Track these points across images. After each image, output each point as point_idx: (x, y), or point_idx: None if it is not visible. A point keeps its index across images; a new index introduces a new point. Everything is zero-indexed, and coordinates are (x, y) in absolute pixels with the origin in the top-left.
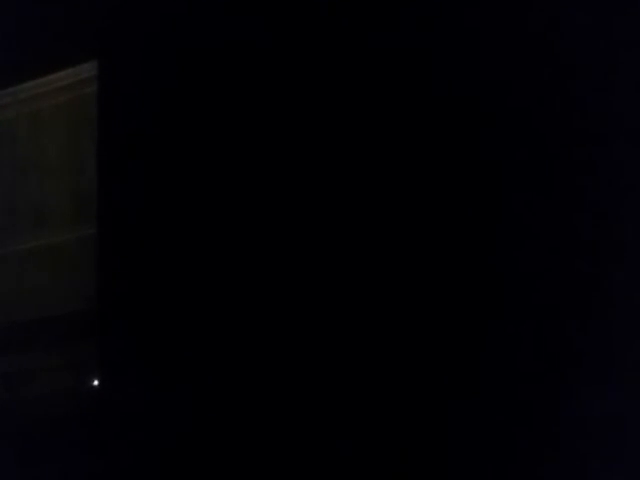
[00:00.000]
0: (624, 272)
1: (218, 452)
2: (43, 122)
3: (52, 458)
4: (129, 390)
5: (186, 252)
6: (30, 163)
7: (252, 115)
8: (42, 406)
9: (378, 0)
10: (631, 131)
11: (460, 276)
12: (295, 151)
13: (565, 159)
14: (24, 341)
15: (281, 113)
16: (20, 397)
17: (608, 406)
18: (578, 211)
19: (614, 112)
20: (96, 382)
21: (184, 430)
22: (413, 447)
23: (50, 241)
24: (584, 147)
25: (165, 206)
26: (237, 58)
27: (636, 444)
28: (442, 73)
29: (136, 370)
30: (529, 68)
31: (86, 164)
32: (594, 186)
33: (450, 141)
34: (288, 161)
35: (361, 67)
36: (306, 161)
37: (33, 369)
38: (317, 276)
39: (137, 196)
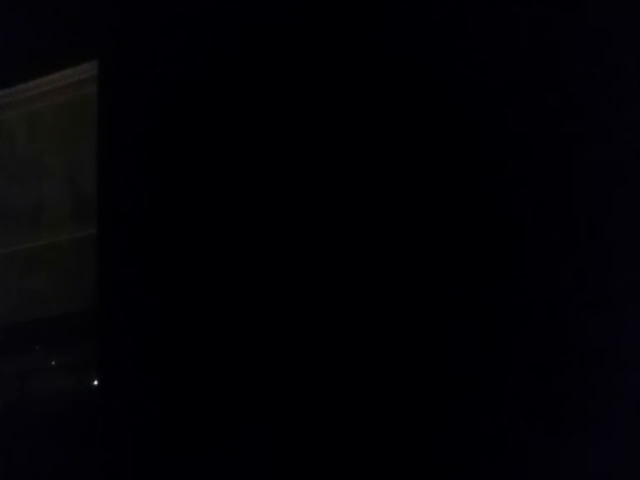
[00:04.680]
0: (624, 272)
1: (220, 451)
2: (43, 122)
3: (51, 458)
4: (129, 390)
5: (186, 252)
6: (30, 163)
7: (254, 115)
8: (42, 405)
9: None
10: (632, 131)
11: (459, 276)
12: (297, 152)
13: (565, 159)
14: (24, 341)
15: (283, 114)
16: (20, 396)
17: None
18: (579, 211)
19: (615, 112)
20: (96, 382)
21: (185, 430)
22: (411, 448)
23: (50, 241)
24: (585, 147)
25: (166, 206)
26: (238, 58)
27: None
28: (448, 75)
29: (136, 370)
30: (530, 68)
31: (86, 164)
32: (594, 186)
33: (450, 142)
34: (290, 162)
35: (361, 69)
36: (307, 161)
37: (33, 369)
38: (318, 273)
39: (137, 196)
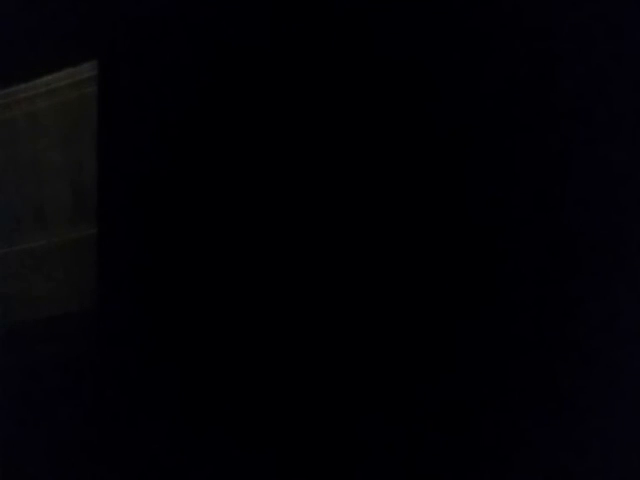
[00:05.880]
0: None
1: (217, 448)
2: (43, 122)
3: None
4: (130, 391)
5: (187, 252)
6: (30, 163)
7: (255, 114)
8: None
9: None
10: (632, 131)
11: (459, 276)
12: (298, 151)
13: (565, 160)
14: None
15: (284, 112)
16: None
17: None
18: (579, 211)
19: (615, 113)
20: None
21: (183, 432)
22: (411, 452)
23: (50, 241)
24: (584, 148)
25: (166, 205)
26: (238, 58)
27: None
28: (444, 76)
29: (136, 370)
30: (530, 70)
31: (86, 164)
32: (594, 186)
33: (449, 143)
34: (291, 162)
35: (361, 70)
36: (307, 160)
37: (32, 370)
38: (318, 268)
39: (137, 196)
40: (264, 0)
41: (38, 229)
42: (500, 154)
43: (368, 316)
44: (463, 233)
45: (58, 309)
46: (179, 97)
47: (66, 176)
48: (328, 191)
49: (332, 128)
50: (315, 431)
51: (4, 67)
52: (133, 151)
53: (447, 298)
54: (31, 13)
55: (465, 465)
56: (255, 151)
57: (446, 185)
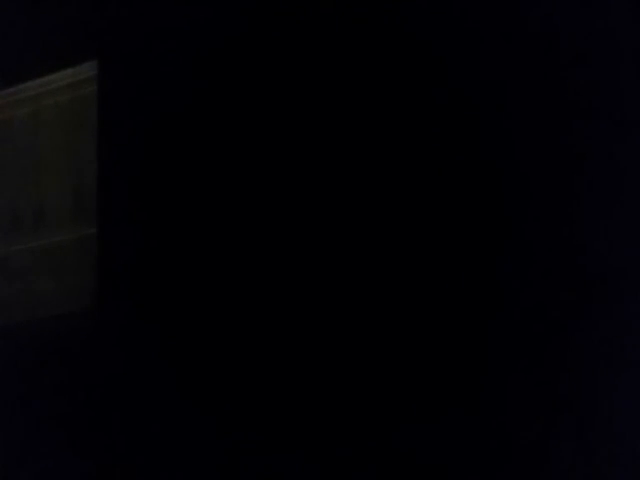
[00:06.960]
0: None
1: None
2: (43, 122)
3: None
4: (129, 389)
5: (186, 251)
6: (30, 163)
7: (255, 114)
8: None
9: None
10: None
11: (459, 277)
12: (298, 149)
13: (566, 159)
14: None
15: (284, 111)
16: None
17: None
18: (581, 210)
19: (616, 113)
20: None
21: (182, 430)
22: (410, 457)
23: (50, 241)
24: (586, 147)
25: (166, 206)
26: (239, 58)
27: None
28: (442, 71)
29: (136, 369)
30: (531, 67)
31: (86, 164)
32: (596, 185)
33: (448, 142)
34: (291, 162)
35: (361, 66)
36: (307, 158)
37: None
38: (316, 265)
39: (137, 196)
40: (264, 2)
41: (38, 229)
42: (502, 155)
43: (367, 315)
44: (465, 233)
45: (58, 309)
46: (179, 97)
47: (66, 176)
48: (323, 182)
49: (328, 126)
50: (314, 431)
51: (5, 67)
52: (133, 151)
53: (448, 302)
54: (32, 14)
55: (469, 466)
56: (255, 150)
57: (447, 186)
